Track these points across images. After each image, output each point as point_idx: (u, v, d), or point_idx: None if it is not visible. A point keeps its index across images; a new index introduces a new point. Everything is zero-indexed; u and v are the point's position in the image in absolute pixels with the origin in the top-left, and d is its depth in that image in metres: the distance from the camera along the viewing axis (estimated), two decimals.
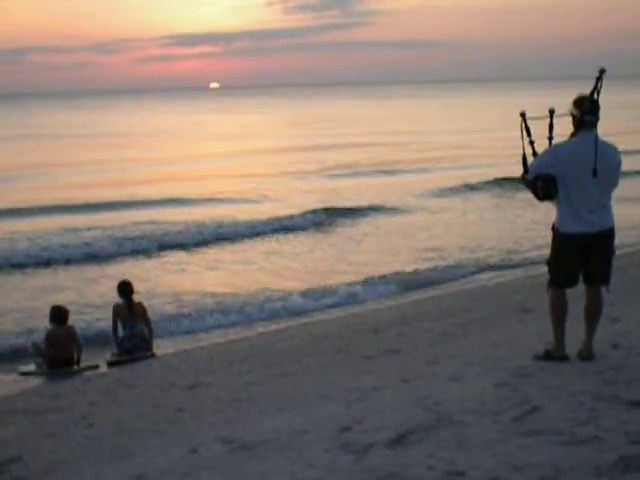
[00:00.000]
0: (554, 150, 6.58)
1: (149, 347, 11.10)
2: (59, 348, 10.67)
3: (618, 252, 6.78)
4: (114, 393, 8.75)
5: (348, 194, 26.71)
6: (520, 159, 6.77)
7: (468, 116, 73.81)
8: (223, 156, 42.67)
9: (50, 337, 10.74)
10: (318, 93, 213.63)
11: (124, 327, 11.09)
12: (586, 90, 6.59)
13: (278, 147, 47.09)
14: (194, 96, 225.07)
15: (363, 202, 24.63)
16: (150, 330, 11.25)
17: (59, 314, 10.92)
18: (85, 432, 7.21)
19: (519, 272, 15.14)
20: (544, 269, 6.97)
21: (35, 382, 10.36)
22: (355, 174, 33.20)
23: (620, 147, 6.74)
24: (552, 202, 6.66)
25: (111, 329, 11.17)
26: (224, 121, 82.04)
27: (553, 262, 6.73)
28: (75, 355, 10.79)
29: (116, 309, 11.17)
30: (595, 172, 6.34)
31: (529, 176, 6.64)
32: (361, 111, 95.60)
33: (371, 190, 27.67)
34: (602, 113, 6.54)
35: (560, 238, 6.62)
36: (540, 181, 6.53)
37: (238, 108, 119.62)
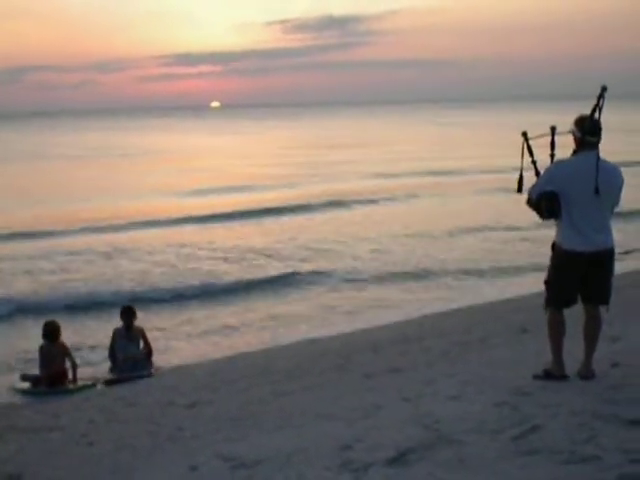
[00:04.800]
0: (554, 167, 6.59)
1: (146, 366, 11.21)
2: (52, 363, 10.80)
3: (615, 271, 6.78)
4: (114, 411, 8.74)
5: None
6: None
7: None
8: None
9: (43, 353, 10.88)
10: (326, 112, 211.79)
11: (120, 349, 11.21)
12: (588, 109, 6.61)
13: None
14: (200, 115, 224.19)
15: None
16: (149, 351, 11.40)
17: (51, 330, 11.02)
18: (85, 450, 7.20)
19: (518, 292, 15.13)
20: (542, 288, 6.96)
21: (34, 400, 10.35)
22: None
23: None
24: (556, 221, 6.66)
25: (108, 352, 11.37)
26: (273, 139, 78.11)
27: (552, 281, 6.73)
28: (70, 371, 10.86)
29: (115, 333, 11.35)
30: (597, 190, 6.35)
31: (533, 195, 6.64)
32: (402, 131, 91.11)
33: None
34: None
35: (561, 255, 6.61)
36: (544, 200, 6.55)
37: (259, 128, 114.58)
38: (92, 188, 36.79)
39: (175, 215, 27.27)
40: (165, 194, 34.10)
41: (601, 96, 6.44)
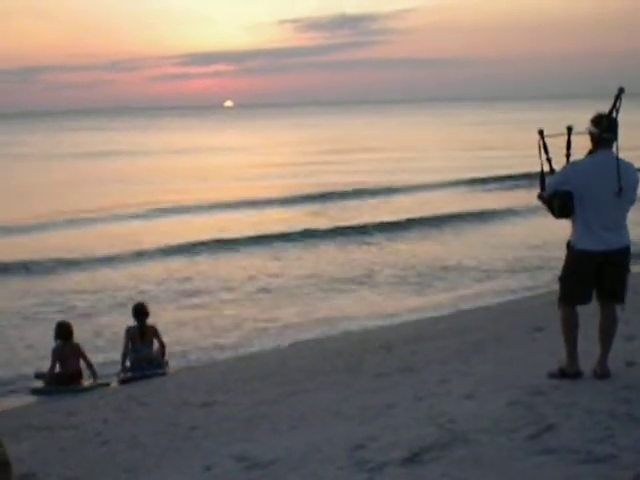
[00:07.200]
0: (571, 167, 6.61)
1: (160, 365, 11.17)
2: (65, 363, 10.90)
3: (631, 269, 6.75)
4: (127, 410, 8.75)
5: None
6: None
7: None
8: None
9: (56, 353, 10.95)
10: (341, 111, 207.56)
11: (133, 350, 11.17)
12: (597, 107, 6.65)
13: None
14: (215, 114, 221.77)
15: None
16: (163, 349, 11.34)
17: (64, 330, 11.10)
18: (99, 449, 7.21)
19: (531, 290, 15.07)
20: (556, 286, 6.94)
21: (49, 399, 10.39)
22: None
23: None
24: (568, 219, 6.67)
25: (121, 351, 11.27)
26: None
27: (566, 278, 6.71)
28: (82, 370, 10.97)
29: (128, 332, 11.27)
30: (620, 190, 6.34)
31: (546, 193, 6.68)
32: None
33: None
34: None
35: (576, 255, 6.62)
36: (557, 198, 6.57)
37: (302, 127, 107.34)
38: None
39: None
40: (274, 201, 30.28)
41: (618, 97, 6.48)
